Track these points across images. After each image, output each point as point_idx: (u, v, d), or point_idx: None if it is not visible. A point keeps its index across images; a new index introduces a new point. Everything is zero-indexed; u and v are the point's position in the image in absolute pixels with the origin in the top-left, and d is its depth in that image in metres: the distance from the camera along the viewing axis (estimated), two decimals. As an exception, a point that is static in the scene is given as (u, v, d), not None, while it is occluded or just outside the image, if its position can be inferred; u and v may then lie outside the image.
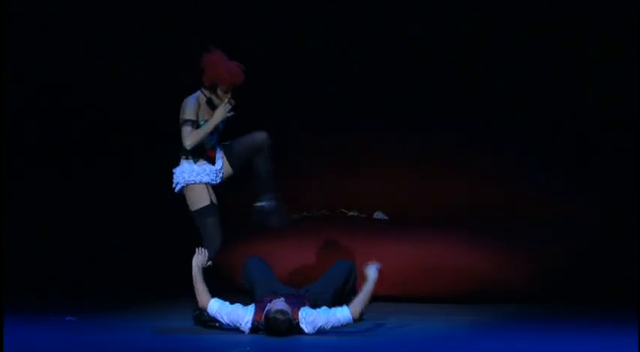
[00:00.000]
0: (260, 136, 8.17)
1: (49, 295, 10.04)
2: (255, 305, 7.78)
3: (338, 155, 10.71)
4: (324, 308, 7.73)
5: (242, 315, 7.72)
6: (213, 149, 8.21)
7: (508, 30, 10.49)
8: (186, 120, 8.04)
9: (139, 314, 8.90)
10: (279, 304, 7.62)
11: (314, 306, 7.79)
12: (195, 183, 8.11)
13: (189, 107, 8.07)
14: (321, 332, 7.64)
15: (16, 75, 10.64)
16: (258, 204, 8.23)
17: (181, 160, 8.17)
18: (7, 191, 10.25)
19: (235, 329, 7.76)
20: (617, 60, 10.32)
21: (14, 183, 10.58)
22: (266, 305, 7.68)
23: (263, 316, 7.63)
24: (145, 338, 7.68)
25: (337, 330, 7.69)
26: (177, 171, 8.18)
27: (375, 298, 9.39)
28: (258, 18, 10.72)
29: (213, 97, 8.13)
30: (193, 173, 8.12)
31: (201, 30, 10.71)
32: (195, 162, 8.13)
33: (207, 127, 8.02)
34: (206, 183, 8.13)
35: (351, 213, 10.48)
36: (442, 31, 10.57)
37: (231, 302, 7.82)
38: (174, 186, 8.19)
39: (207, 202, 8.11)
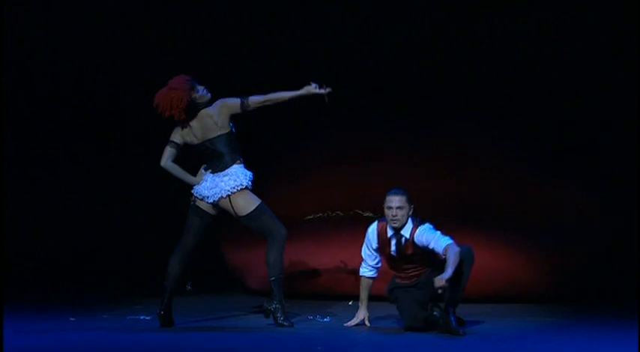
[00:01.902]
0: (284, 232, 8.14)
1: (49, 295, 10.07)
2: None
3: (342, 155, 10.74)
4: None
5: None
6: None
7: (508, 32, 10.51)
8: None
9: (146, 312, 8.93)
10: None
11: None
12: (247, 188, 8.15)
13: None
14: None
15: (15, 73, 10.66)
16: (266, 305, 8.17)
17: (233, 166, 8.13)
18: (7, 191, 10.27)
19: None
20: (620, 61, 10.34)
21: (14, 183, 10.60)
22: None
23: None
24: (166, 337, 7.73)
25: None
26: (232, 175, 8.12)
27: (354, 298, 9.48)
28: (258, 18, 10.72)
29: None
30: (247, 177, 8.16)
31: (202, 27, 10.75)
32: (244, 166, 8.20)
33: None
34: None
35: (366, 214, 10.49)
36: (448, 32, 10.58)
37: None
38: (230, 189, 8.11)
39: (258, 202, 8.15)
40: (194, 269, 9.41)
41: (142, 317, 8.60)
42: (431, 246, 7.75)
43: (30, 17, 10.67)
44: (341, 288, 9.60)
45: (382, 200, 8.01)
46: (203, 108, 8.14)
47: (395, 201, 7.84)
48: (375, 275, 8.08)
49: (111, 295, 10.02)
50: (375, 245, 7.99)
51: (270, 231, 8.11)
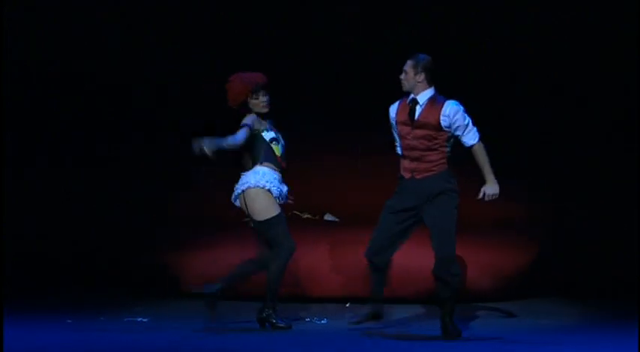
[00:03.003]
0: (292, 247, 8.14)
1: (49, 295, 10.07)
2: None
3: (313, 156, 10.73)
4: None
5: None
6: (283, 161, 8.22)
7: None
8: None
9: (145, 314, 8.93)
10: None
11: None
12: (261, 188, 8.12)
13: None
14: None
15: (15, 73, 10.65)
16: (258, 315, 8.21)
17: (255, 167, 8.17)
18: (7, 191, 10.26)
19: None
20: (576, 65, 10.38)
21: (14, 183, 10.59)
22: None
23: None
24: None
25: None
26: (248, 174, 8.16)
27: (350, 300, 9.43)
28: (257, 17, 10.70)
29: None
30: (256, 178, 8.12)
31: (201, 27, 10.73)
32: (265, 167, 8.17)
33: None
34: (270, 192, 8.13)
35: (305, 216, 10.50)
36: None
37: None
38: (240, 187, 8.16)
39: (275, 212, 8.11)
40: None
41: (139, 319, 8.60)
42: (455, 130, 7.77)
43: (30, 17, 10.67)
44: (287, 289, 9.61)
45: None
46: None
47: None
48: None
49: (110, 296, 10.02)
50: (394, 115, 7.95)
51: (280, 243, 8.08)
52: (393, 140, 8.04)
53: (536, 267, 9.84)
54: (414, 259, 9.24)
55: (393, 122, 7.96)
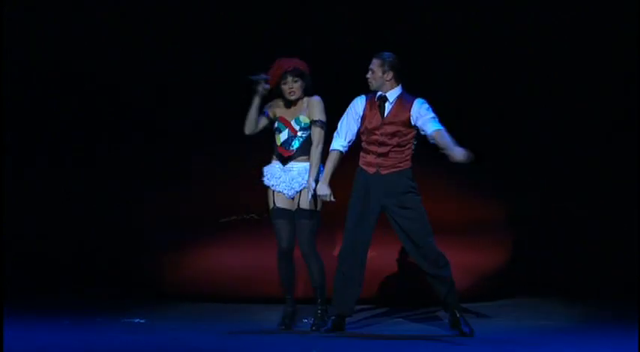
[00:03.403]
0: (280, 248, 8.15)
1: (49, 295, 10.07)
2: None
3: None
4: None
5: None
6: (286, 149, 8.15)
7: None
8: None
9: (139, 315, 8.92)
10: None
11: None
12: (265, 185, 8.21)
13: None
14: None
15: (15, 73, 10.65)
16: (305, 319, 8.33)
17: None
18: (7, 191, 10.26)
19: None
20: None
21: (14, 183, 10.59)
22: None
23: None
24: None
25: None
26: None
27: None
28: (257, 17, 10.70)
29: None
30: (265, 170, 8.22)
31: (200, 25, 10.73)
32: (272, 160, 8.22)
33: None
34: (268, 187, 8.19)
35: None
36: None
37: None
38: None
39: (272, 205, 8.16)
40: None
41: (136, 321, 8.59)
42: (419, 122, 7.75)
43: (30, 17, 10.67)
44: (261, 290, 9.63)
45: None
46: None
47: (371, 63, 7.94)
48: (346, 150, 8.00)
49: (110, 296, 10.02)
50: (360, 111, 7.95)
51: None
52: (336, 132, 7.99)
53: (537, 267, 9.85)
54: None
55: (357, 116, 7.95)
